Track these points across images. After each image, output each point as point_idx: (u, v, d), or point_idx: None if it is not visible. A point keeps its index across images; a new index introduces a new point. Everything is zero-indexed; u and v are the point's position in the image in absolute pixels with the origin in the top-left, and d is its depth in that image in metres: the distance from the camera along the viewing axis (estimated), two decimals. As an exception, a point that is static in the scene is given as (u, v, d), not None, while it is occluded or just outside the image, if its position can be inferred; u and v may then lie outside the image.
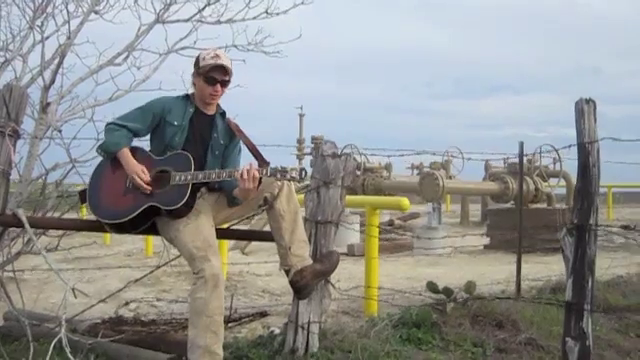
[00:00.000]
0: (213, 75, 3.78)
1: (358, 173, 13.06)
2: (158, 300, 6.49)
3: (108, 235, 12.91)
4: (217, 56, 3.82)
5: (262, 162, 3.66)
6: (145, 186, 3.64)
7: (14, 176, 4.46)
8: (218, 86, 3.81)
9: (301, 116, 19.05)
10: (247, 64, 5.14)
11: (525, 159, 12.43)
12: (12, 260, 4.45)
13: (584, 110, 2.88)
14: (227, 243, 8.84)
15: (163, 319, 5.12)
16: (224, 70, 3.81)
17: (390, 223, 14.02)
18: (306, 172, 3.60)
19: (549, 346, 4.39)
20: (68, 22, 4.91)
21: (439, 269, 9.24)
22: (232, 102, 4.08)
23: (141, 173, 3.67)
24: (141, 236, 12.39)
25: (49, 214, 4.61)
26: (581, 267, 2.81)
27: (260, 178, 3.60)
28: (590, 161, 2.85)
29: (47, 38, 4.96)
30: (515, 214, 9.15)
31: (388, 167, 13.70)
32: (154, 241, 10.75)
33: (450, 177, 14.26)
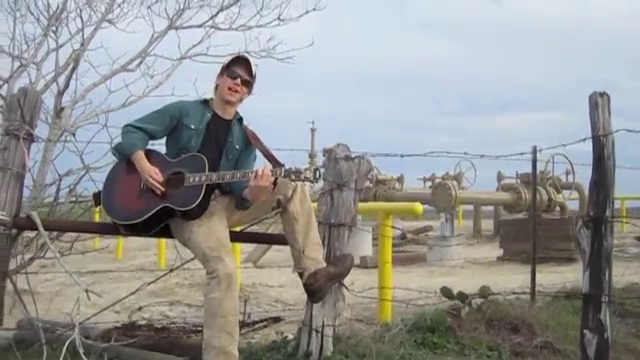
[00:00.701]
0: (235, 68, 3.81)
1: (370, 185, 13.06)
2: (171, 305, 6.46)
3: (120, 249, 12.99)
4: (241, 55, 3.90)
5: (276, 164, 3.65)
6: (158, 186, 3.64)
7: (28, 182, 4.50)
8: (239, 80, 3.81)
9: (313, 130, 19.15)
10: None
11: (537, 170, 12.45)
12: (26, 265, 4.47)
13: (598, 103, 2.86)
14: (240, 255, 8.86)
15: (176, 325, 5.10)
16: (246, 65, 3.83)
17: (403, 236, 13.98)
18: (320, 172, 3.57)
19: (565, 350, 4.34)
20: (82, 30, 4.98)
21: (452, 278, 9.14)
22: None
23: (154, 174, 3.66)
24: (153, 250, 12.56)
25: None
26: (598, 259, 2.78)
27: (275, 180, 3.59)
28: (605, 153, 2.82)
29: (61, 46, 5.03)
30: (528, 224, 9.08)
31: (400, 179, 13.69)
32: (167, 254, 10.75)
33: (462, 189, 14.23)
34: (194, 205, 3.59)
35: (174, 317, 6.38)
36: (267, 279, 9.30)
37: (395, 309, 5.95)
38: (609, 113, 2.88)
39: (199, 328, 4.82)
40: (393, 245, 10.73)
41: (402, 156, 4.07)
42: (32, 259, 4.48)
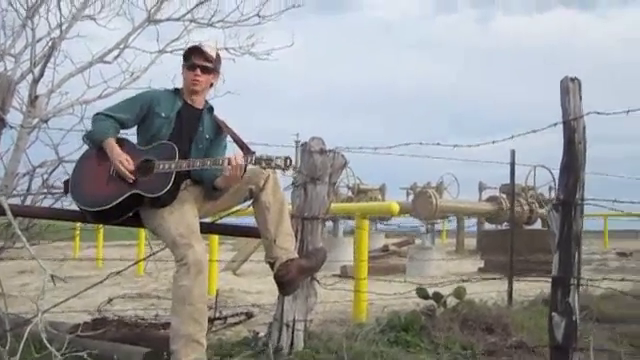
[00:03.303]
0: (193, 60, 3.79)
1: (352, 195, 13.03)
2: (145, 309, 6.39)
3: (100, 259, 12.89)
4: (200, 44, 3.87)
5: (247, 151, 3.63)
6: (128, 174, 3.60)
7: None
8: (198, 70, 3.79)
9: (297, 142, 19.18)
10: (244, 101, 5.14)
11: (517, 186, 12.47)
12: (-5, 255, 4.38)
13: (569, 88, 2.87)
14: (217, 265, 8.78)
15: (147, 320, 5.04)
16: (203, 55, 3.80)
17: (385, 249, 13.95)
18: (291, 161, 3.54)
19: (541, 350, 4.30)
20: (60, 25, 4.92)
21: (432, 288, 9.10)
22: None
23: (125, 161, 3.62)
24: (132, 257, 12.48)
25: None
26: (567, 242, 2.76)
27: (245, 167, 3.56)
28: (576, 138, 2.82)
29: (39, 40, 4.96)
30: (509, 236, 9.09)
31: (382, 189, 13.68)
32: (144, 262, 10.66)
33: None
34: (164, 192, 3.55)
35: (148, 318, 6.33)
36: (246, 286, 9.24)
37: (370, 313, 5.92)
38: (580, 98, 2.89)
39: (169, 322, 4.75)
40: (373, 257, 10.69)
41: (375, 148, 4.06)
42: (2, 249, 4.39)
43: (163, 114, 3.79)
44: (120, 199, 3.59)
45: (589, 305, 5.12)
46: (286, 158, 3.51)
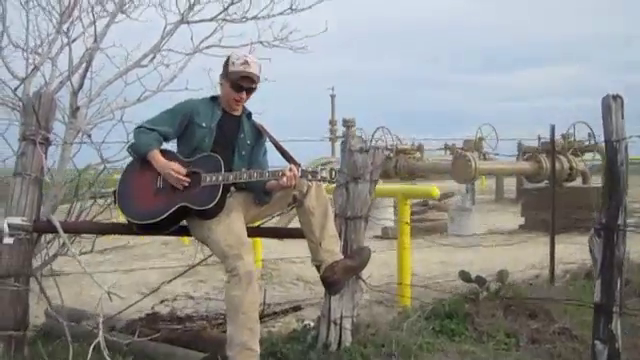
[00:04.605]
0: (240, 83, 3.82)
1: (390, 155, 12.96)
2: (194, 292, 6.57)
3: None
4: (246, 63, 3.83)
5: (292, 162, 3.70)
6: (183, 178, 3.68)
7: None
8: (244, 93, 3.85)
9: (332, 97, 19.01)
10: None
11: (559, 135, 12.27)
12: (49, 262, 4.55)
13: (611, 107, 2.81)
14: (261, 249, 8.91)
15: (199, 315, 5.19)
16: (251, 79, 3.83)
17: (424, 203, 13.93)
18: (336, 172, 3.66)
19: (583, 335, 4.34)
20: (94, 23, 4.95)
21: (473, 253, 9.10)
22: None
23: (176, 168, 3.70)
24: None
25: (83, 214, 4.67)
26: (609, 269, 2.76)
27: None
28: (618, 159, 2.78)
29: (74, 41, 5.01)
30: (549, 193, 9.00)
31: (420, 148, 13.58)
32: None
33: (484, 155, 14.09)
34: (212, 205, 3.65)
35: (197, 299, 6.52)
36: (289, 252, 9.37)
37: (415, 289, 5.98)
38: (622, 117, 2.84)
39: (220, 320, 4.90)
40: (414, 213, 10.70)
41: (423, 139, 4.04)
42: (55, 256, 4.55)
43: (204, 124, 3.86)
44: (168, 212, 3.69)
45: (630, 278, 5.08)
46: (331, 170, 3.61)
